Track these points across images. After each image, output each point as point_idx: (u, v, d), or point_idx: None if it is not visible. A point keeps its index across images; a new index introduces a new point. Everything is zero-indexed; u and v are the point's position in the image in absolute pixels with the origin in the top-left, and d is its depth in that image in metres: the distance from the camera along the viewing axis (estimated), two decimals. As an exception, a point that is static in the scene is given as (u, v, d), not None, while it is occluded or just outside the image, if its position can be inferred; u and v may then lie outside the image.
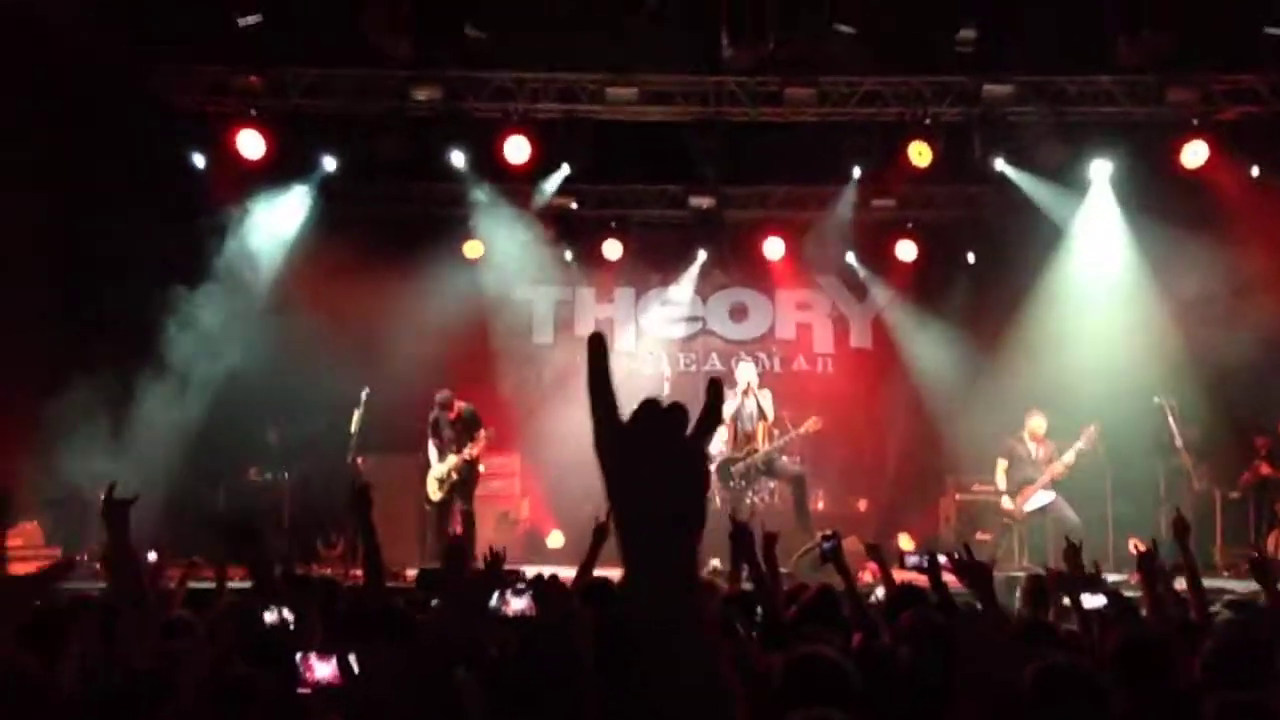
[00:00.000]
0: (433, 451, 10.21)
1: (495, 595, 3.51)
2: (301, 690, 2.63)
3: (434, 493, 10.12)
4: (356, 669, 2.58)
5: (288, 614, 3.35)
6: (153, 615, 3.15)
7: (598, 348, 1.08)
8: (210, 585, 5.57)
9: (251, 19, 8.71)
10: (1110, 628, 3.93)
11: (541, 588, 3.70)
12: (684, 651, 0.98)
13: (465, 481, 10.08)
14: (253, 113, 10.22)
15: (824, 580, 4.90)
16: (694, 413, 1.09)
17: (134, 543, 3.19)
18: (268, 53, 9.90)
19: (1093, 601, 4.19)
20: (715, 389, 1.10)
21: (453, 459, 10.00)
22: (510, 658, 2.66)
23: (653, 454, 1.03)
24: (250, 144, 10.18)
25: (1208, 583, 6.83)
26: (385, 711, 2.34)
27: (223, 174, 10.57)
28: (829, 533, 4.87)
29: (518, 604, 3.61)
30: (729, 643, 3.59)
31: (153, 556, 5.14)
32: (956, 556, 5.16)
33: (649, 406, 1.05)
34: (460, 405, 10.15)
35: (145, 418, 9.93)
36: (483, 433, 9.99)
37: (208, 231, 10.90)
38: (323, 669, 2.61)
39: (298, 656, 2.67)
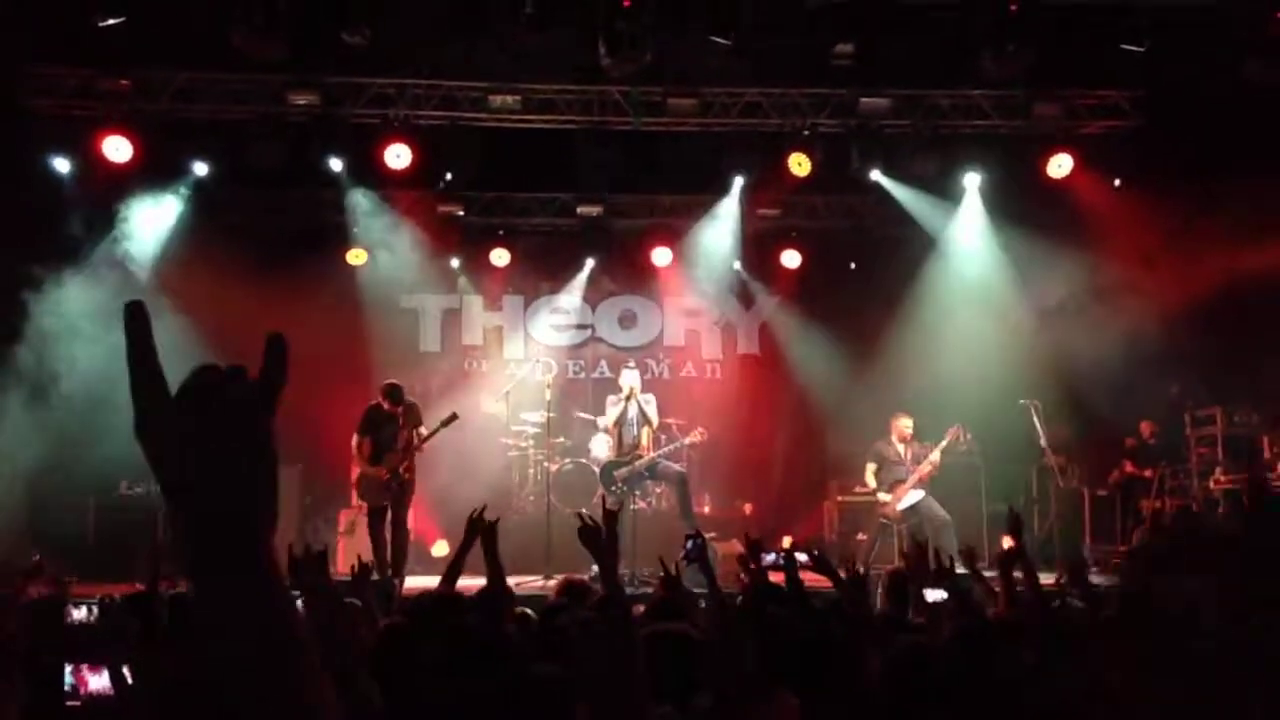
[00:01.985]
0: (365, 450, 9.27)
1: None
2: (72, 703, 2.55)
3: (377, 498, 9.27)
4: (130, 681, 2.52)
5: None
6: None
7: (138, 317, 0.92)
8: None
9: (113, 20, 8.42)
10: (948, 618, 4.06)
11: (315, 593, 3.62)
12: (256, 664, 0.86)
13: (405, 486, 9.31)
14: (119, 117, 9.92)
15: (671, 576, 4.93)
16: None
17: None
18: (136, 55, 9.63)
19: (934, 595, 4.32)
20: (273, 342, 0.97)
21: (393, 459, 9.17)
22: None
23: (213, 430, 0.89)
24: (117, 149, 9.88)
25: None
26: None
27: (89, 179, 10.24)
28: (691, 534, 4.90)
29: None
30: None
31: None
32: (815, 553, 5.31)
33: (203, 374, 0.91)
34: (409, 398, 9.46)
35: (6, 428, 9.55)
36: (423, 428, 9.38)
37: (74, 236, 10.55)
38: (96, 681, 2.54)
39: (68, 669, 2.59)
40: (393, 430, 9.25)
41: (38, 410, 9.84)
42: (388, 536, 9.17)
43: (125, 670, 2.57)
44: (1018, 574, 4.45)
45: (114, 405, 10.04)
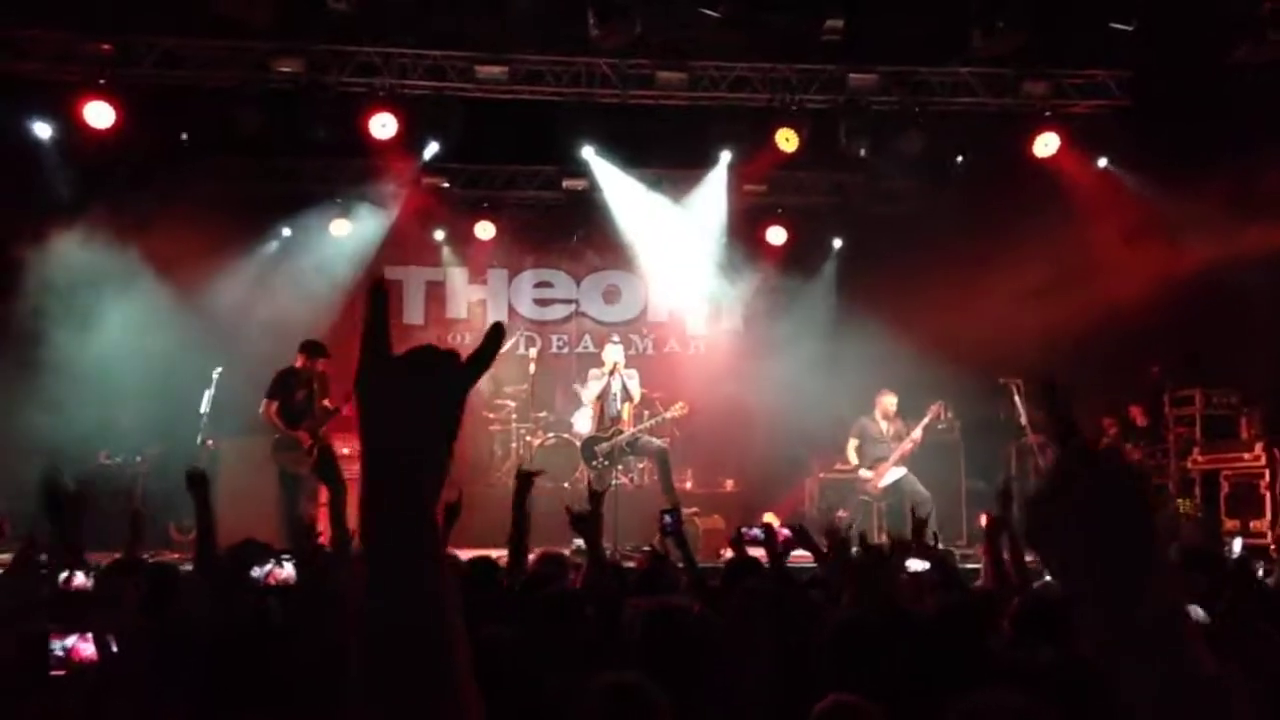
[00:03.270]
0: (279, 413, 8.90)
1: (261, 566, 3.46)
2: (57, 672, 2.55)
3: (295, 463, 8.98)
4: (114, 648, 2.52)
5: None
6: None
7: (380, 299, 1.02)
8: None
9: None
10: (930, 590, 4.08)
11: (306, 558, 3.66)
12: (413, 580, 0.95)
13: (326, 455, 9.01)
14: (101, 82, 9.79)
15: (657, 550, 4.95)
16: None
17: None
18: (119, 20, 9.51)
19: (917, 565, 4.34)
20: (494, 332, 1.08)
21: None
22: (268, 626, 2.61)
23: (411, 388, 0.99)
24: (100, 114, 9.76)
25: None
26: (139, 687, 2.28)
27: (72, 145, 10.12)
28: (667, 508, 4.92)
29: (282, 573, 3.57)
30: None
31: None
32: (798, 527, 5.34)
33: (423, 350, 1.02)
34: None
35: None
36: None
37: (59, 204, 10.45)
38: (83, 648, 2.54)
39: (58, 641, 2.59)
40: (307, 394, 8.96)
41: (18, 380, 9.76)
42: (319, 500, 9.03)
43: (110, 639, 2.58)
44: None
45: (94, 377, 10.02)
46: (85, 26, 9.66)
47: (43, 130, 10.21)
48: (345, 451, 9.73)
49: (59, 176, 10.35)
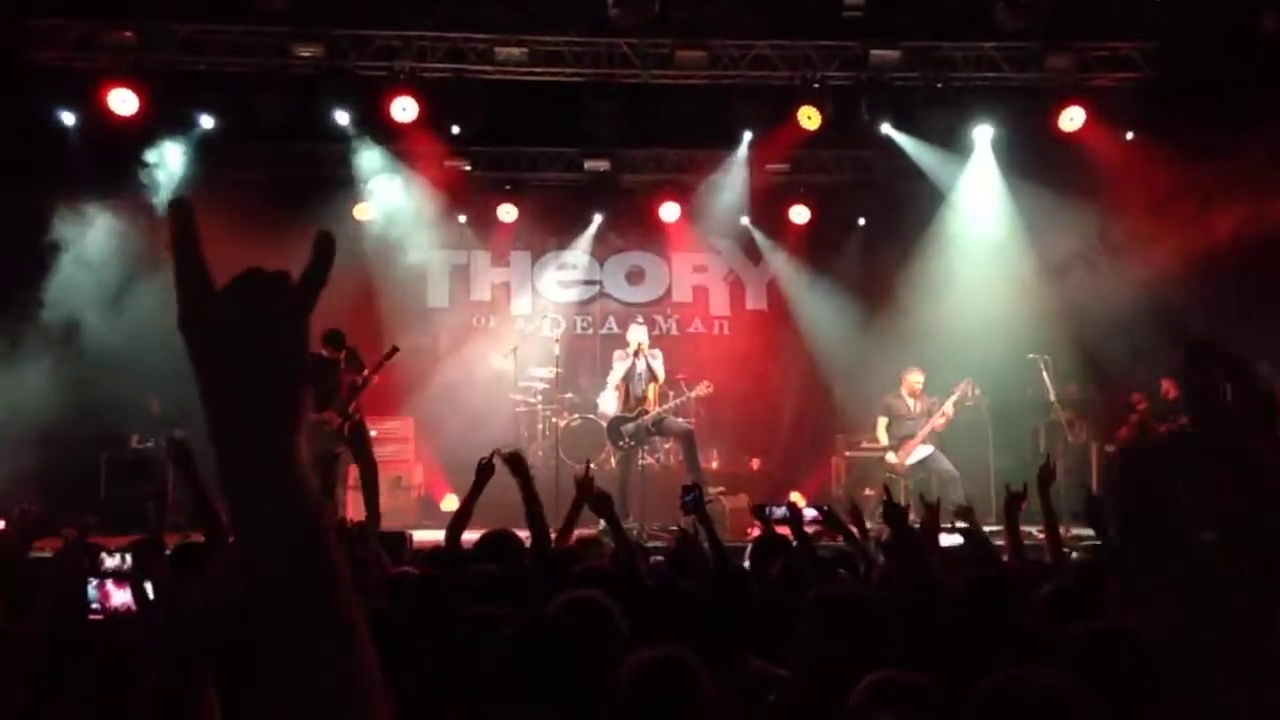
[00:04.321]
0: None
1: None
2: (95, 616, 2.60)
3: (330, 444, 9.03)
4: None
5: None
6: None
7: (182, 215, 0.92)
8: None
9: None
10: (962, 565, 4.07)
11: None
12: (275, 526, 0.87)
13: (358, 426, 9.11)
14: (125, 69, 9.84)
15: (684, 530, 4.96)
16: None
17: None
18: (139, 7, 9.55)
19: (949, 540, 4.33)
20: (322, 240, 0.96)
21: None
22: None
23: (242, 318, 0.89)
24: (123, 101, 9.81)
25: (1081, 533, 7.15)
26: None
27: (96, 132, 10.19)
28: (688, 484, 4.91)
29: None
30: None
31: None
32: (826, 509, 5.34)
33: (247, 273, 0.92)
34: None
35: (18, 379, 9.59)
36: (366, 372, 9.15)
37: (87, 191, 10.54)
38: (119, 595, 2.59)
39: (93, 583, 2.63)
40: (334, 380, 9.01)
41: (53, 366, 9.86)
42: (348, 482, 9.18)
43: (148, 587, 2.62)
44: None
45: (124, 361, 10.12)
46: (107, 14, 9.70)
47: (67, 118, 10.25)
48: (374, 434, 9.83)
49: (83, 163, 10.40)
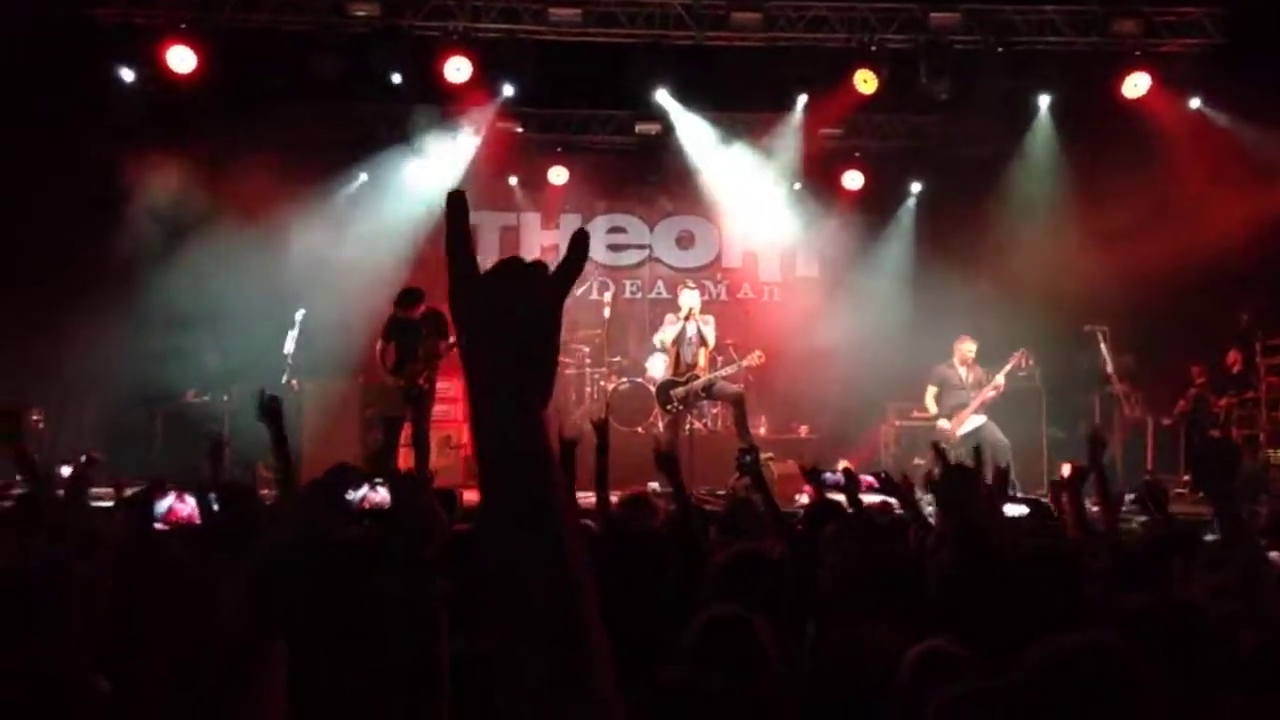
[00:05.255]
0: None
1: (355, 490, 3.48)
2: (160, 526, 2.66)
3: (393, 407, 9.17)
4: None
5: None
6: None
7: (458, 208, 1.04)
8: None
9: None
10: (1024, 535, 4.03)
11: (398, 481, 3.68)
12: (526, 491, 0.98)
13: (424, 396, 9.18)
14: (183, 26, 9.91)
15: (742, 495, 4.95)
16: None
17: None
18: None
19: (1015, 510, 4.28)
20: (578, 239, 1.08)
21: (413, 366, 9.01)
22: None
23: (507, 301, 1.01)
24: (180, 59, 9.89)
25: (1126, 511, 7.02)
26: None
27: (152, 89, 10.29)
28: (745, 446, 4.89)
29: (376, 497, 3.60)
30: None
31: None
32: (883, 475, 5.30)
33: (509, 260, 1.05)
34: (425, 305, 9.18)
35: (80, 332, 9.76)
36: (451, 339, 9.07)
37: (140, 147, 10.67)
38: (182, 508, 2.66)
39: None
40: (414, 338, 9.02)
41: (114, 319, 10.00)
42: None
43: (212, 498, 2.70)
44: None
45: (180, 317, 10.28)
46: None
47: (126, 75, 10.35)
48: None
49: (141, 119, 10.51)
